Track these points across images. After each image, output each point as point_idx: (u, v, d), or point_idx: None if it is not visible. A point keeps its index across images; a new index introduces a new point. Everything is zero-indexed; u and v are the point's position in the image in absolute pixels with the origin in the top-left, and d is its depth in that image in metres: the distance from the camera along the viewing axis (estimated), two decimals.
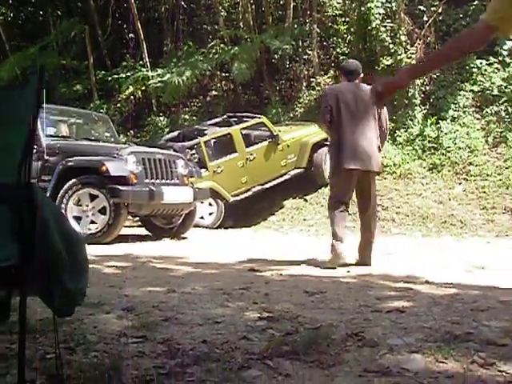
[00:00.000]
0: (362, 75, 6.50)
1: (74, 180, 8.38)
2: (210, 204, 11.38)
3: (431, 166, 12.54)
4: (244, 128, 12.11)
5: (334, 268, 5.96)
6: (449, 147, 12.63)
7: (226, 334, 3.19)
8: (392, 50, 13.81)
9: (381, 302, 4.05)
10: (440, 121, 13.20)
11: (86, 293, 2.42)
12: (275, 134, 12.12)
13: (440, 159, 12.54)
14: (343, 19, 16.55)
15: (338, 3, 16.96)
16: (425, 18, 14.71)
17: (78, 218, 8.45)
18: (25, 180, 2.26)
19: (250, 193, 11.98)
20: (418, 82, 13.73)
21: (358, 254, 6.30)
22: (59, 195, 8.31)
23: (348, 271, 5.73)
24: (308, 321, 3.47)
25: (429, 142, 13.00)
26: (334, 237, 6.12)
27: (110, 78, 17.38)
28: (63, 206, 8.28)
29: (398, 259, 6.76)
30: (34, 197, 2.19)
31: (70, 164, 8.51)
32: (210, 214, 11.53)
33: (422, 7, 14.99)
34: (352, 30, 15.51)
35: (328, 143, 11.96)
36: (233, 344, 2.98)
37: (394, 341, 3.01)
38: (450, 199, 11.50)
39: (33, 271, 2.17)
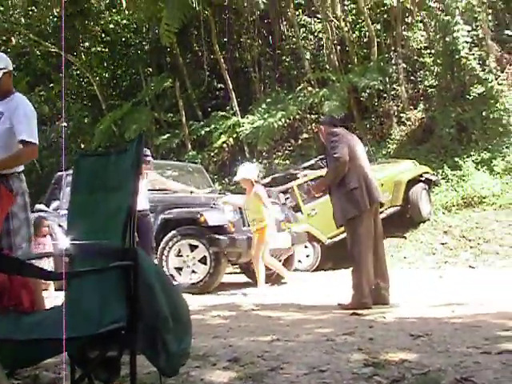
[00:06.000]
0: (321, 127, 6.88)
1: (173, 232, 8.61)
2: (306, 246, 11.37)
3: None
4: None
5: None
6: None
7: (332, 382, 3.17)
8: (482, 78, 13.54)
9: (490, 343, 3.91)
10: None
11: (189, 354, 2.49)
12: None
13: None
14: (428, 51, 16.44)
15: (421, 36, 16.89)
16: None
17: (179, 269, 8.64)
18: (130, 244, 2.37)
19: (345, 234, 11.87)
20: None
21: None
22: (160, 247, 8.55)
23: (453, 311, 5.59)
24: (414, 366, 3.40)
25: None
26: None
27: (201, 129, 17.85)
28: (164, 257, 8.51)
29: (505, 295, 6.52)
30: (139, 261, 2.29)
31: (169, 216, 8.76)
32: (307, 256, 11.53)
33: (509, 32, 14.69)
34: (438, 61, 15.36)
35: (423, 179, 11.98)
36: None
37: None
38: None
39: (140, 333, 2.27)
